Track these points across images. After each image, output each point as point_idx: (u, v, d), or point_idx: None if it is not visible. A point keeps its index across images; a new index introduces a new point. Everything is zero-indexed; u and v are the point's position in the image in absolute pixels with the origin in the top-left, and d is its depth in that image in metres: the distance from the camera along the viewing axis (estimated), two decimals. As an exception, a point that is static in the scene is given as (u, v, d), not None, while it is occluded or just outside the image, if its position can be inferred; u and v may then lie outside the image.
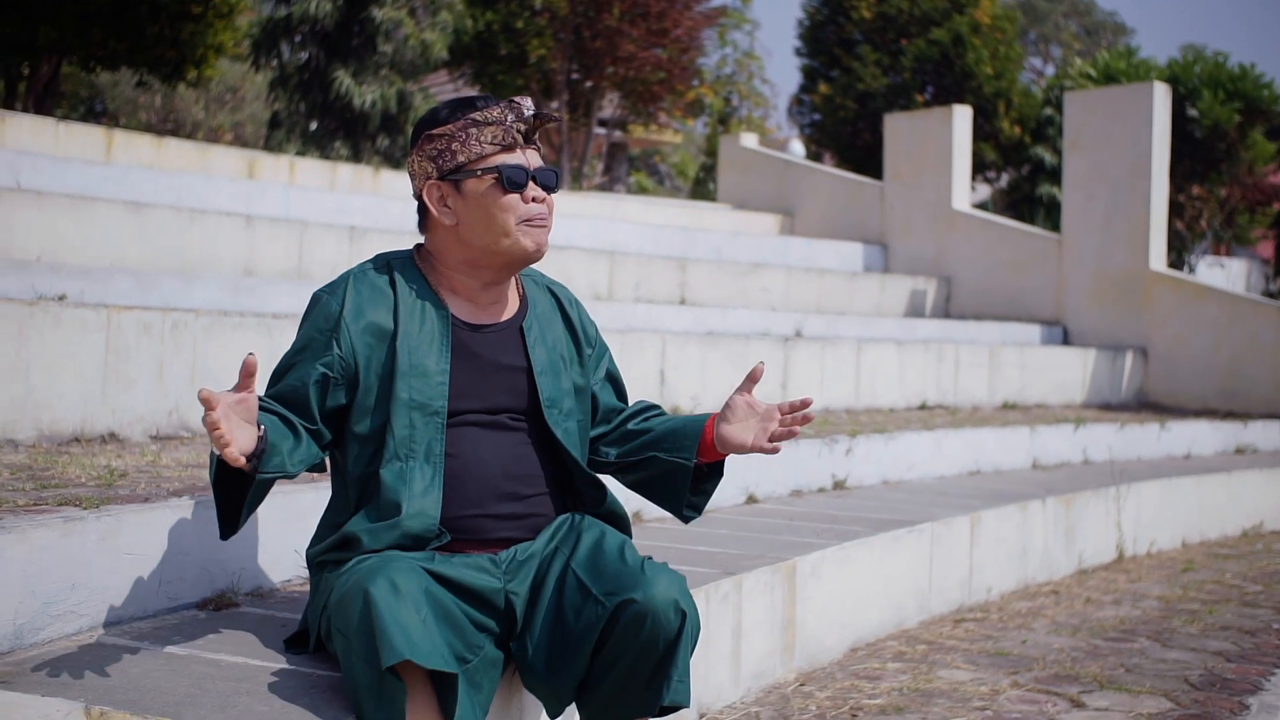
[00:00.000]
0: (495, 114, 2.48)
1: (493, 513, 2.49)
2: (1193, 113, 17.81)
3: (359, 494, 2.46)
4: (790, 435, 2.57)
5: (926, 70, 19.39)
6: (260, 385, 2.33)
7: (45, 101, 11.82)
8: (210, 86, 23.42)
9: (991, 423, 7.09)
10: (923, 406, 7.88)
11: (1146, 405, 9.40)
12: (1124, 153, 9.73)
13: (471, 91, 20.24)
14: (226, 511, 2.35)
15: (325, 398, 2.45)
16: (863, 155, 19.21)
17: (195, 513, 2.86)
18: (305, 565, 3.05)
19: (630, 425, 2.75)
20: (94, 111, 26.46)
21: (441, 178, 2.49)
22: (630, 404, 2.83)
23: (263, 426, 2.26)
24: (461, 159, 2.47)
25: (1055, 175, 18.77)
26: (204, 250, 6.43)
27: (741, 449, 2.59)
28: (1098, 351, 9.31)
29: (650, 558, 2.43)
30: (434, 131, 2.49)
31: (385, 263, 2.56)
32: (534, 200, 2.49)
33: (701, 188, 22.27)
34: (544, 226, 2.52)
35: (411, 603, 2.17)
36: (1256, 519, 7.11)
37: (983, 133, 18.28)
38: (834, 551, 4.04)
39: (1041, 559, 5.45)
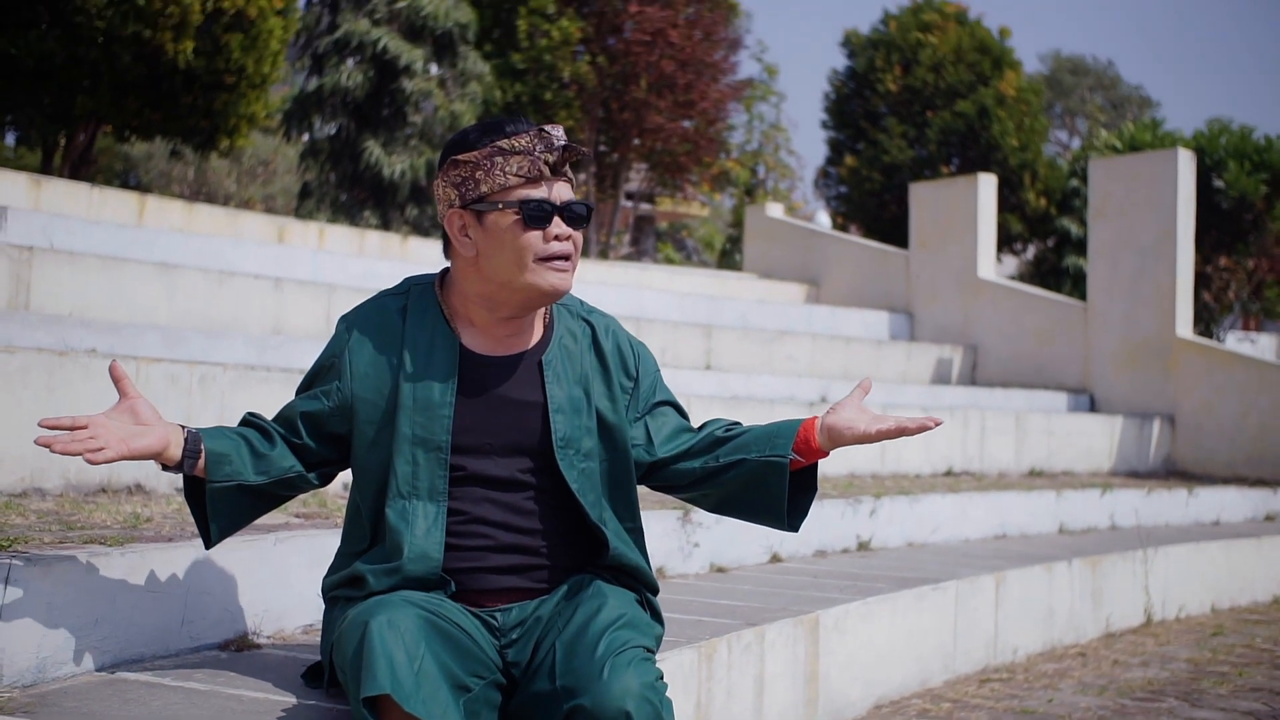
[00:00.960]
0: (523, 143, 2.37)
1: (494, 565, 2.43)
2: (1219, 184, 17.83)
3: (370, 527, 2.46)
4: (902, 433, 2.42)
5: (952, 143, 19.50)
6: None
7: (80, 170, 12.01)
8: (242, 159, 23.73)
9: (1017, 488, 7.05)
10: (949, 473, 7.85)
11: (1175, 473, 9.34)
12: (1150, 219, 9.75)
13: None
14: (201, 522, 2.49)
15: (320, 426, 2.49)
16: (889, 227, 19.29)
17: (218, 554, 2.87)
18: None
19: (718, 433, 2.62)
20: (128, 184, 26.83)
21: (464, 206, 2.39)
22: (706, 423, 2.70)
23: (187, 429, 2.39)
24: (484, 189, 2.37)
25: (1081, 247, 18.78)
26: (232, 311, 6.50)
27: (852, 431, 2.46)
28: (1125, 419, 9.26)
29: (630, 647, 2.24)
30: (460, 157, 2.39)
31: (406, 289, 2.52)
32: (557, 238, 2.39)
33: (728, 259, 22.37)
34: (566, 267, 2.40)
35: (407, 643, 2.12)
36: (1287, 585, 7.04)
37: (1008, 205, 18.33)
38: (857, 606, 4.02)
39: (1068, 621, 5.40)
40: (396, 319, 2.47)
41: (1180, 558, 6.26)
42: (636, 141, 17.28)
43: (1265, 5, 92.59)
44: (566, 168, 2.45)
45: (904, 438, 2.41)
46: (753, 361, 9.03)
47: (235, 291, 6.56)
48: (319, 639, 3.02)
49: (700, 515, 4.62)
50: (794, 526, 2.61)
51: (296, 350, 5.79)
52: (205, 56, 10.98)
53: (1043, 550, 5.93)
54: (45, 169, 12.13)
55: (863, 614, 4.05)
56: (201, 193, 24.93)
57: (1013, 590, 5.01)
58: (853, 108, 20.75)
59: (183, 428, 2.41)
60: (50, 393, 3.92)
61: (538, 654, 2.33)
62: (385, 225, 14.84)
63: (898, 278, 11.72)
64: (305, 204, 15.74)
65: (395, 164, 15.04)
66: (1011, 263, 20.99)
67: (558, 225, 2.40)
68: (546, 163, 2.38)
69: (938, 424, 2.40)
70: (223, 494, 2.42)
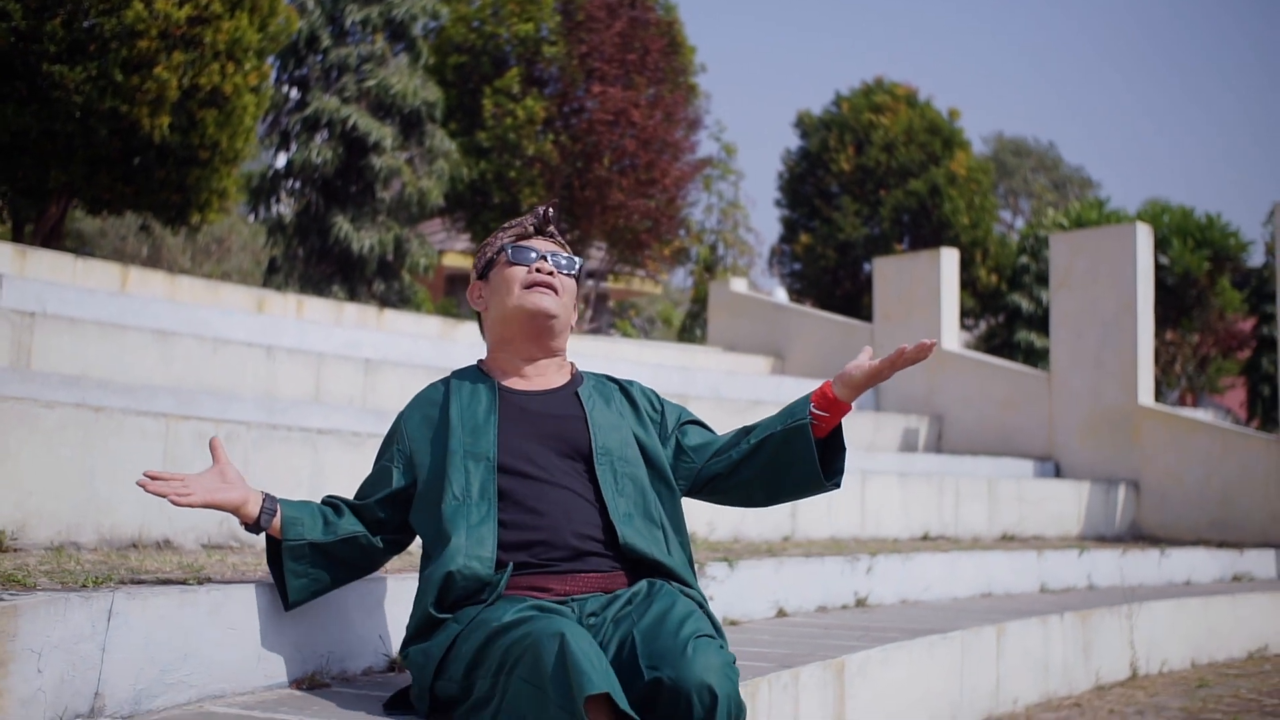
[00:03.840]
0: (520, 218, 2.98)
1: (558, 551, 2.65)
2: (1164, 260, 18.30)
3: (435, 543, 2.73)
4: (902, 358, 2.73)
5: (904, 221, 19.89)
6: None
7: (51, 244, 12.01)
8: (197, 236, 23.72)
9: (997, 550, 7.20)
10: (925, 537, 7.99)
11: (1141, 537, 9.54)
12: (1111, 291, 10.02)
13: (463, 237, 20.61)
14: (280, 582, 2.83)
15: (387, 489, 2.86)
16: (843, 304, 19.58)
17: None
18: (386, 654, 3.16)
19: (746, 425, 2.96)
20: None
21: (480, 278, 2.97)
22: None
23: (266, 495, 2.76)
24: (490, 255, 2.96)
25: (1032, 322, 19.14)
26: (226, 377, 6.58)
27: (860, 370, 2.80)
28: (1091, 484, 9.46)
29: (705, 635, 2.44)
30: (485, 242, 2.95)
31: (455, 370, 2.96)
32: (539, 269, 2.85)
33: (688, 334, 22.56)
34: (548, 292, 2.84)
35: (592, 650, 2.29)
36: (1261, 642, 7.22)
37: (960, 280, 18.68)
38: (877, 652, 4.15)
39: (1062, 673, 5.54)
40: (442, 387, 2.91)
41: (1162, 614, 6.43)
42: (598, 217, 17.50)
43: (1195, 92, 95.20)
44: (552, 230, 2.98)
45: (899, 369, 2.78)
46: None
47: (229, 358, 6.65)
48: (380, 680, 3.11)
49: (712, 569, 4.73)
50: (835, 483, 2.87)
51: (297, 413, 5.90)
52: (180, 132, 11.08)
53: (1029, 607, 6.07)
54: (16, 241, 12.12)
55: (882, 660, 4.17)
56: (156, 269, 24.88)
57: (1012, 642, 5.15)
58: (806, 187, 21.11)
59: (264, 494, 2.78)
60: (87, 450, 3.98)
61: (612, 642, 2.50)
62: (352, 298, 14.93)
63: (862, 350, 11.91)
64: (273, 279, 15.79)
65: (364, 239, 15.15)
66: (964, 337, 21.34)
67: (540, 263, 2.86)
68: (532, 223, 2.94)
69: (933, 344, 2.70)
70: (297, 552, 2.77)
